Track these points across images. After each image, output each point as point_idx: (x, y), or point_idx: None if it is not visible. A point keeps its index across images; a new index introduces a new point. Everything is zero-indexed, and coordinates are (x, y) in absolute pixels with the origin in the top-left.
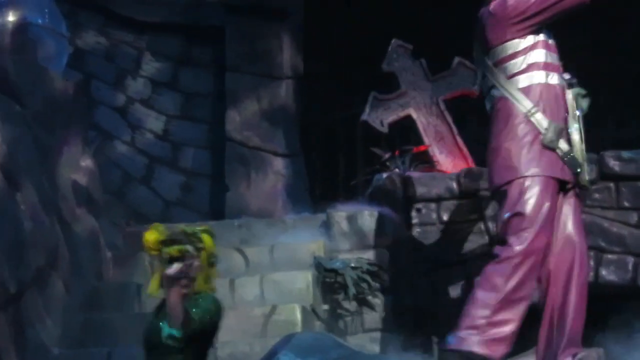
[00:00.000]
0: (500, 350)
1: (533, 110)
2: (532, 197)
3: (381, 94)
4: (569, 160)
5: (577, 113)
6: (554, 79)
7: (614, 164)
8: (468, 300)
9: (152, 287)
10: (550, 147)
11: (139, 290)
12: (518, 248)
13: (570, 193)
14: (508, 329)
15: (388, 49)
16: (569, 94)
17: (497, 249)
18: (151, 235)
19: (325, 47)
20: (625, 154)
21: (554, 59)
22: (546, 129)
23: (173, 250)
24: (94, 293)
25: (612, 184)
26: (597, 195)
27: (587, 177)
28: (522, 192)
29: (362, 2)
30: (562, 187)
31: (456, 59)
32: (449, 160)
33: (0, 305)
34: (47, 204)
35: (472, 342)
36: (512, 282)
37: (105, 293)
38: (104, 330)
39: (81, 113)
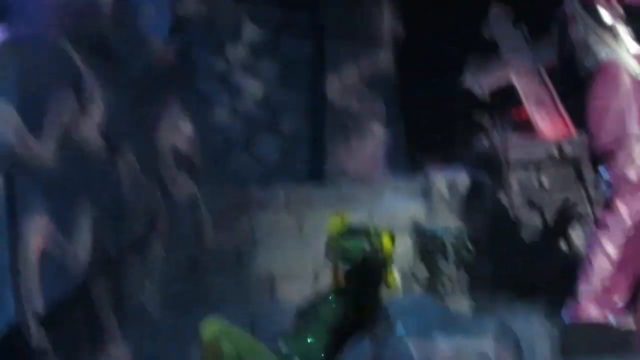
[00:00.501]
0: (620, 317)
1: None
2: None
3: (481, 60)
4: None
5: None
6: None
7: None
8: (581, 269)
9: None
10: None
11: (238, 254)
12: (626, 215)
13: None
14: (625, 295)
15: (488, 14)
16: None
17: (605, 216)
18: (333, 224)
19: (425, 12)
20: None
21: None
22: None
23: (348, 244)
24: (194, 257)
25: None
26: None
27: None
28: (629, 155)
29: None
30: None
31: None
32: (550, 126)
33: (101, 270)
34: (148, 169)
35: (591, 312)
36: (625, 249)
37: (205, 257)
38: (204, 295)
39: (182, 79)
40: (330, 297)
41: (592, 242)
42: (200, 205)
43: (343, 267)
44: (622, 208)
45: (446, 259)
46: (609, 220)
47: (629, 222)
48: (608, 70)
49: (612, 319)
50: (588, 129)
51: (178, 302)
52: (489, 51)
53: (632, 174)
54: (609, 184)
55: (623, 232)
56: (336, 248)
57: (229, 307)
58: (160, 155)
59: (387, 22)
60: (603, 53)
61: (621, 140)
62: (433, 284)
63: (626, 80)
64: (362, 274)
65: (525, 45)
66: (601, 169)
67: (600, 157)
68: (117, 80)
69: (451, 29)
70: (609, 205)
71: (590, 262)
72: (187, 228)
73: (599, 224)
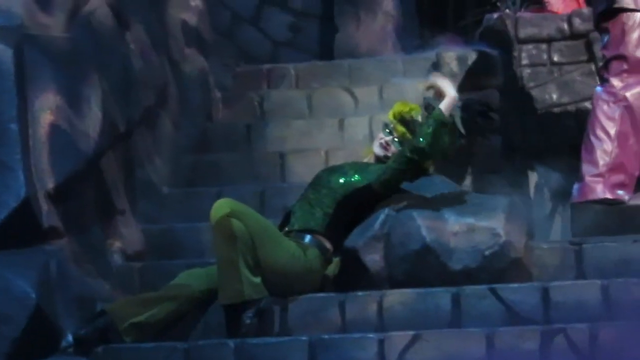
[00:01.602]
0: (627, 193)
1: None
2: (636, 36)
3: None
4: None
5: None
6: None
7: None
8: (583, 147)
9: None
10: None
11: (248, 130)
12: (622, 92)
13: None
14: (632, 173)
15: None
16: None
17: (601, 91)
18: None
19: None
20: None
21: None
22: None
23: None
24: (203, 133)
25: None
26: None
27: None
28: (624, 31)
29: None
30: None
31: None
32: (560, 1)
33: (110, 144)
34: (157, 43)
35: (599, 190)
36: (624, 125)
37: (215, 133)
38: (213, 170)
39: None
40: (345, 168)
41: (592, 119)
42: (210, 80)
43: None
44: (615, 82)
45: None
46: (605, 95)
47: (624, 100)
48: None
49: (620, 195)
50: None
51: (187, 177)
52: None
53: (626, 51)
54: (604, 57)
55: (619, 108)
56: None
57: (238, 183)
58: (169, 29)
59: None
60: None
61: (614, 15)
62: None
63: None
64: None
65: None
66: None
67: (596, 26)
68: None
69: None
70: (603, 78)
71: (590, 140)
72: (197, 103)
73: (596, 98)
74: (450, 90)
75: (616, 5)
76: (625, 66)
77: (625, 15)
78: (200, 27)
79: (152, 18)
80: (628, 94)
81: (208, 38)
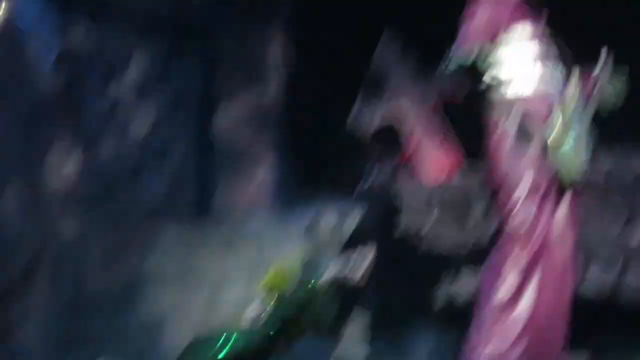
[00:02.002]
0: None
1: (506, 117)
2: (515, 204)
3: (371, 92)
4: (545, 162)
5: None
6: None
7: (599, 166)
8: (472, 325)
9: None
10: (529, 145)
11: (125, 295)
12: (511, 262)
13: (569, 194)
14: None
15: (378, 43)
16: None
17: (491, 260)
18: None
19: (313, 43)
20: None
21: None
22: (522, 130)
23: None
24: (79, 298)
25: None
26: None
27: (571, 176)
28: (506, 198)
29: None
30: (559, 187)
31: (448, 55)
32: (438, 161)
33: None
34: (32, 206)
35: None
36: (512, 284)
37: (91, 298)
38: (88, 335)
39: (68, 112)
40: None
41: (480, 289)
42: (86, 243)
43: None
44: (506, 242)
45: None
46: (495, 263)
47: (513, 267)
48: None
49: None
50: (486, 162)
51: (61, 343)
52: (379, 83)
53: (515, 220)
54: (496, 226)
55: (508, 277)
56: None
57: (114, 348)
58: (44, 190)
59: (278, 54)
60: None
61: (500, 183)
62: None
63: (500, 124)
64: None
65: (415, 81)
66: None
67: (492, 194)
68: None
69: (342, 60)
70: (496, 247)
71: (480, 315)
72: (72, 266)
73: (486, 268)
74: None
75: None
76: (512, 235)
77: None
78: (76, 188)
79: (26, 179)
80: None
81: (84, 199)
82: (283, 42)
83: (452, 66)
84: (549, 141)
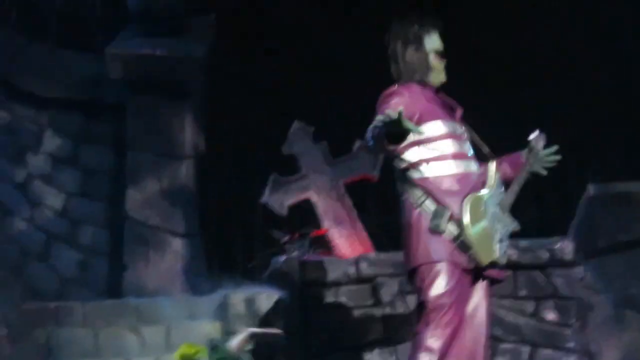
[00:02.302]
0: None
1: (422, 199)
2: (433, 285)
3: (281, 177)
4: (459, 244)
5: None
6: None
7: (511, 253)
8: None
9: None
10: (438, 232)
11: None
12: (424, 338)
13: (483, 282)
14: None
15: (289, 131)
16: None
17: (415, 337)
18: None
19: (227, 127)
20: (522, 242)
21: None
22: (433, 214)
23: None
24: None
25: (509, 273)
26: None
27: (484, 262)
28: (422, 279)
29: (265, 84)
30: (475, 273)
31: (357, 142)
32: (348, 245)
33: None
34: None
35: None
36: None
37: None
38: None
39: None
40: None
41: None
42: None
43: None
44: (422, 330)
45: None
46: (414, 342)
47: (428, 344)
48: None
49: None
50: (403, 240)
51: None
52: (289, 167)
53: (433, 298)
54: (417, 306)
55: (424, 354)
56: None
57: None
58: None
59: (190, 136)
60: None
61: (413, 270)
62: None
63: (411, 209)
64: None
65: (325, 162)
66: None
67: (409, 277)
68: None
69: (253, 145)
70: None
71: None
72: None
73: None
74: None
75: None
76: (427, 312)
77: (420, 265)
78: None
79: None
80: (431, 340)
81: None
82: (195, 124)
83: (376, 131)
84: (464, 221)
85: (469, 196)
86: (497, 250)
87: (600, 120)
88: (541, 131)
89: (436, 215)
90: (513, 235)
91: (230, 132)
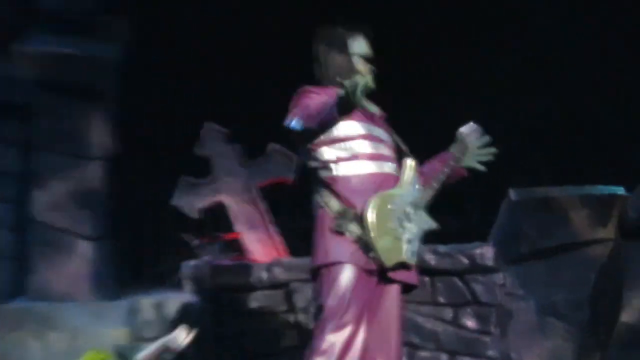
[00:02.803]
0: None
1: (327, 199)
2: (330, 288)
3: (193, 179)
4: (362, 245)
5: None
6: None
7: (429, 258)
8: None
9: None
10: (341, 232)
11: None
12: (319, 342)
13: (393, 285)
14: None
15: (201, 132)
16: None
17: (310, 342)
18: None
19: (138, 128)
20: (441, 248)
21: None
22: (337, 214)
23: None
24: None
25: (427, 279)
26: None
27: (388, 263)
28: (320, 282)
29: (179, 85)
30: (384, 276)
31: (270, 145)
32: (261, 249)
33: None
34: None
35: None
36: None
37: None
38: None
39: None
40: None
41: None
42: None
43: None
44: (317, 335)
45: None
46: (309, 346)
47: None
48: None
49: None
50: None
51: None
52: (201, 169)
53: (330, 302)
54: (315, 311)
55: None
56: None
57: None
58: None
59: (99, 136)
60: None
61: (315, 271)
62: None
63: (317, 210)
64: None
65: (239, 164)
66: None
67: (314, 272)
68: None
69: (165, 146)
70: (315, 334)
71: None
72: None
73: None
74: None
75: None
76: (324, 317)
77: (320, 267)
78: None
79: None
80: (326, 345)
81: None
82: (106, 125)
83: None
84: (366, 219)
85: (377, 194)
86: (405, 251)
87: (522, 123)
88: (475, 124)
89: (340, 214)
90: (431, 241)
91: (142, 133)
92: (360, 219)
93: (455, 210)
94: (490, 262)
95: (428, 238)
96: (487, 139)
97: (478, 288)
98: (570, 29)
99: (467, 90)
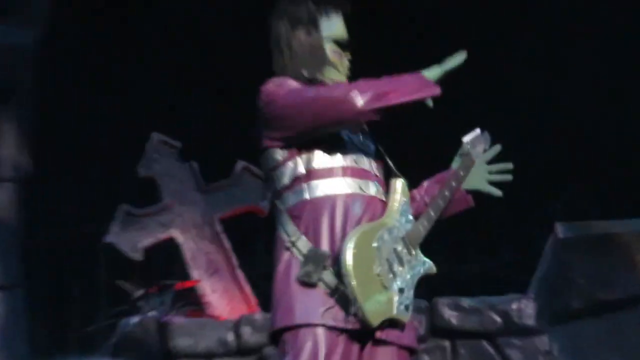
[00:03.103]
0: None
1: (294, 238)
2: (294, 357)
3: (135, 208)
4: (338, 298)
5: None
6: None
7: (450, 315)
8: None
9: None
10: (309, 283)
11: None
12: None
13: (388, 350)
14: None
15: (146, 145)
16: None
17: None
18: None
19: (60, 141)
20: (466, 301)
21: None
22: (305, 259)
23: None
24: None
25: (447, 343)
26: (427, 358)
27: (373, 321)
28: (283, 350)
29: (114, 82)
30: (369, 338)
31: (239, 163)
32: (225, 302)
33: None
34: None
35: None
36: None
37: None
38: None
39: None
40: None
41: None
42: None
43: None
44: None
45: None
46: None
47: None
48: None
49: None
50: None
51: None
52: (146, 195)
53: None
54: None
55: None
56: None
57: None
58: None
59: (11, 151)
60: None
61: (276, 335)
62: None
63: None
64: None
65: (196, 189)
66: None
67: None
68: None
69: (94, 164)
70: None
71: None
72: None
73: None
74: None
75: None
76: None
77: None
78: None
79: None
80: None
81: None
82: (19, 135)
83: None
84: (344, 264)
85: (357, 227)
86: (396, 305)
87: (569, 146)
88: (482, 131)
89: (308, 259)
90: (452, 292)
91: (65, 147)
92: (336, 263)
93: (484, 250)
94: (530, 321)
95: (448, 288)
96: (498, 148)
97: (515, 355)
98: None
99: (485, 93)
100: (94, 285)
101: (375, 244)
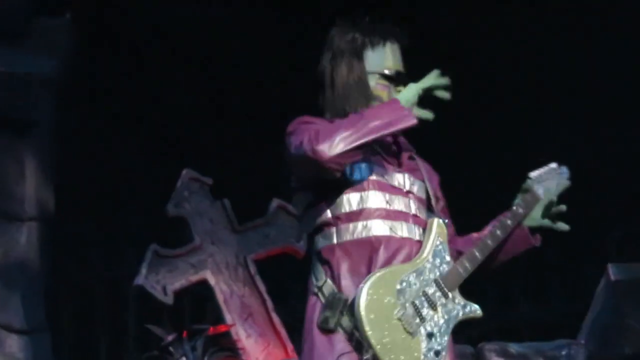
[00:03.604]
0: None
1: (321, 282)
2: None
3: (165, 249)
4: (356, 344)
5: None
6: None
7: None
8: None
9: None
10: (328, 329)
11: None
12: None
13: None
14: None
15: (177, 183)
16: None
17: None
18: None
19: (84, 178)
20: (513, 347)
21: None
22: (325, 304)
23: None
24: None
25: None
26: None
27: None
28: None
29: (142, 114)
30: None
31: (274, 201)
32: (260, 348)
33: None
34: None
35: None
36: None
37: None
38: None
39: None
40: None
41: None
42: None
43: None
44: None
45: None
46: None
47: None
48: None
49: None
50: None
51: None
52: (176, 235)
53: None
54: None
55: None
56: None
57: None
58: None
59: (32, 188)
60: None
61: None
62: None
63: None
64: None
65: (229, 229)
66: None
67: None
68: None
69: (122, 203)
70: None
71: None
72: None
73: None
74: None
75: None
76: None
77: None
78: None
79: None
80: None
81: None
82: (41, 171)
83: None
84: (358, 307)
85: (377, 271)
86: (423, 351)
87: (621, 183)
88: (560, 165)
89: (327, 304)
90: (497, 337)
91: (89, 185)
92: (351, 308)
93: (531, 292)
94: None
95: (493, 333)
96: (567, 184)
97: None
98: None
99: (540, 126)
100: (122, 329)
101: (398, 287)
